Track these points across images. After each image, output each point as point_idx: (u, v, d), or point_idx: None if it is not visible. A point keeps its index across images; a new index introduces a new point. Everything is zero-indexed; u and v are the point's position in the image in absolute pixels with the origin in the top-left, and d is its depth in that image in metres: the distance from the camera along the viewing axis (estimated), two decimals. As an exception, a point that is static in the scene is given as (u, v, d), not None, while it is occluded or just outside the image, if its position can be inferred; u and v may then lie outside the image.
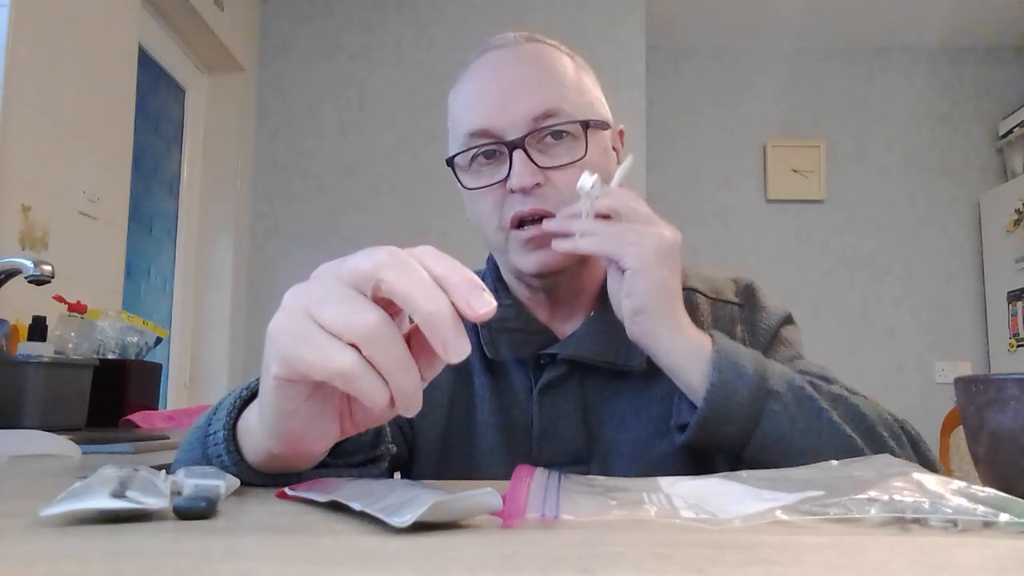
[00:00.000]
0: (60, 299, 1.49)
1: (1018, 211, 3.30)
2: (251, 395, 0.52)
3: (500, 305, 0.78)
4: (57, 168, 1.71)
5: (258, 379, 0.52)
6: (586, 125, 0.74)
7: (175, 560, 0.29)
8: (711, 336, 0.68)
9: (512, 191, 0.72)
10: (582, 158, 0.73)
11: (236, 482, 0.46)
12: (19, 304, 1.40)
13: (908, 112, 3.65)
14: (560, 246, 0.68)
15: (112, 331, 1.54)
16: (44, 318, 1.32)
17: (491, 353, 0.78)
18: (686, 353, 0.66)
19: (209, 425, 0.53)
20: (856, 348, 3.51)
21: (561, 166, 0.73)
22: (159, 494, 0.37)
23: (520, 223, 0.73)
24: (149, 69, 2.42)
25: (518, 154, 0.72)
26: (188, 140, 2.76)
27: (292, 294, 0.41)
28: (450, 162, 0.77)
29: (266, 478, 0.51)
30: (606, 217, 0.68)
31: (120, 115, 2.00)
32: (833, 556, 0.30)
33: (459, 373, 0.80)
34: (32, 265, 1.19)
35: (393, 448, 0.62)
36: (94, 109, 1.86)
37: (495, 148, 0.74)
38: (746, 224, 3.61)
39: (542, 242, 0.72)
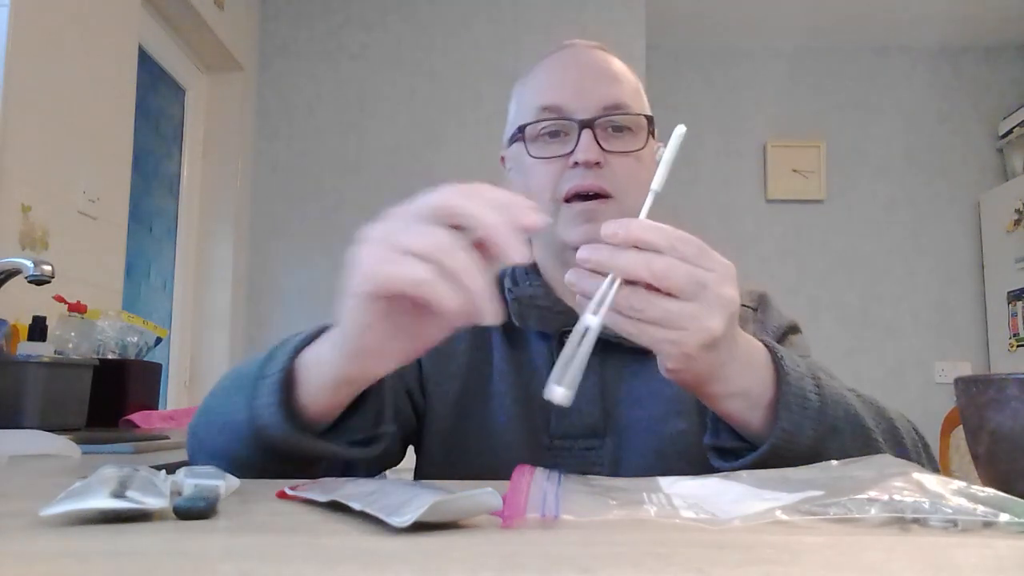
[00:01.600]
0: (60, 299, 1.49)
1: (1018, 211, 3.29)
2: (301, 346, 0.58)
3: (530, 284, 0.83)
4: (57, 168, 1.71)
5: (304, 334, 0.58)
6: (650, 120, 0.81)
7: (175, 560, 0.29)
8: (776, 383, 0.58)
9: (576, 164, 0.77)
10: (640, 149, 0.79)
11: (236, 482, 0.46)
12: (19, 304, 1.40)
13: (908, 112, 3.65)
14: (584, 312, 0.51)
15: (112, 331, 1.54)
16: (44, 318, 1.32)
17: (518, 322, 0.80)
18: (743, 405, 0.58)
19: (264, 367, 0.57)
20: (856, 348, 3.51)
21: (622, 152, 0.78)
22: (159, 494, 0.37)
23: (574, 198, 0.77)
24: (149, 69, 2.42)
25: (586, 132, 0.77)
26: (188, 140, 2.76)
27: (371, 229, 0.48)
28: (521, 129, 0.81)
29: (301, 435, 0.55)
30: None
31: (120, 115, 2.00)
32: (833, 556, 0.30)
33: (478, 344, 0.82)
34: (32, 265, 1.19)
35: (392, 429, 0.64)
36: (94, 109, 1.86)
37: (563, 126, 0.79)
38: (746, 224, 3.61)
39: (591, 216, 0.76)
